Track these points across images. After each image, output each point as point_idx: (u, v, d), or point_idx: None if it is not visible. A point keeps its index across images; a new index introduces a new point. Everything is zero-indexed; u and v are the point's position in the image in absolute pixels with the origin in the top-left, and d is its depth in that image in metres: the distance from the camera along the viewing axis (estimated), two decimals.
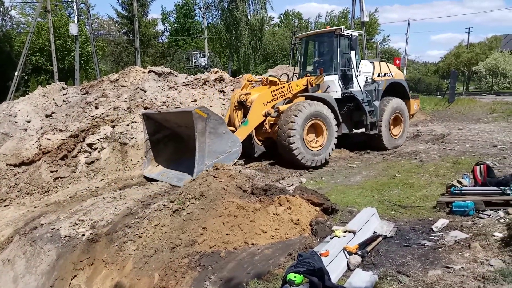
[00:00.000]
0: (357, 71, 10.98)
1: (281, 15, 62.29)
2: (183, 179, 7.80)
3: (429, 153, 10.27)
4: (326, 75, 10.74)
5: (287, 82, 10.62)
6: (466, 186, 6.39)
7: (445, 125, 15.63)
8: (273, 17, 59.08)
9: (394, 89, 11.76)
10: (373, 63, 11.75)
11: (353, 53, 10.86)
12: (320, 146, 9.63)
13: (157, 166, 9.15)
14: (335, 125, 9.89)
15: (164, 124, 9.17)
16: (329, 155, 9.88)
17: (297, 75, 12.16)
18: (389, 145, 11.48)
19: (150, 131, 9.05)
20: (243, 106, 9.41)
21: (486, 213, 5.50)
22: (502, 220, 5.16)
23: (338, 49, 10.65)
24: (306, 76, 10.67)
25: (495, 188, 5.93)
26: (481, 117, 17.39)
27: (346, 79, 10.91)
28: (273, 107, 9.83)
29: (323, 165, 9.71)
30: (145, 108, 11.12)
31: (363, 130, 11.01)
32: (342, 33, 10.60)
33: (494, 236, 4.66)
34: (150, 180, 8.74)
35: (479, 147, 10.72)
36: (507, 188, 5.72)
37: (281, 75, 11.71)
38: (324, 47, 11.61)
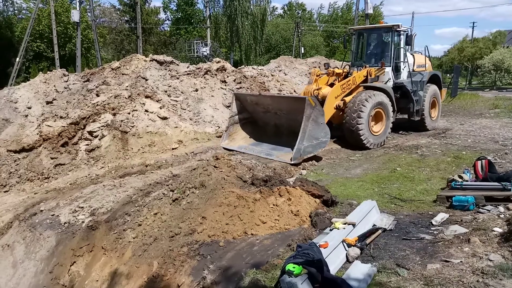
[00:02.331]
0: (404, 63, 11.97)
1: (285, 6, 61.96)
2: (273, 154, 9.00)
3: (430, 147, 10.24)
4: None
5: (348, 73, 11.62)
6: (467, 181, 6.39)
7: (447, 119, 15.53)
8: (276, 8, 58.72)
9: (430, 79, 12.78)
10: (413, 55, 12.63)
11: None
12: (380, 131, 10.67)
13: (235, 140, 10.14)
14: (392, 112, 10.91)
15: (247, 107, 10.29)
16: (385, 139, 10.89)
17: (343, 64, 12.99)
18: (430, 127, 12.63)
19: (237, 110, 10.22)
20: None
21: (487, 208, 5.49)
22: (502, 216, 5.15)
23: (394, 43, 11.64)
24: (365, 68, 11.35)
25: (496, 183, 5.92)
26: (483, 113, 17.25)
27: (396, 70, 11.88)
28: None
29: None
30: (146, 97, 11.14)
31: (406, 116, 12.24)
32: (399, 29, 11.57)
33: (494, 231, 4.65)
34: (228, 150, 9.65)
35: (481, 142, 10.67)
36: (508, 183, 5.70)
37: (343, 66, 12.63)
38: (380, 41, 12.49)
